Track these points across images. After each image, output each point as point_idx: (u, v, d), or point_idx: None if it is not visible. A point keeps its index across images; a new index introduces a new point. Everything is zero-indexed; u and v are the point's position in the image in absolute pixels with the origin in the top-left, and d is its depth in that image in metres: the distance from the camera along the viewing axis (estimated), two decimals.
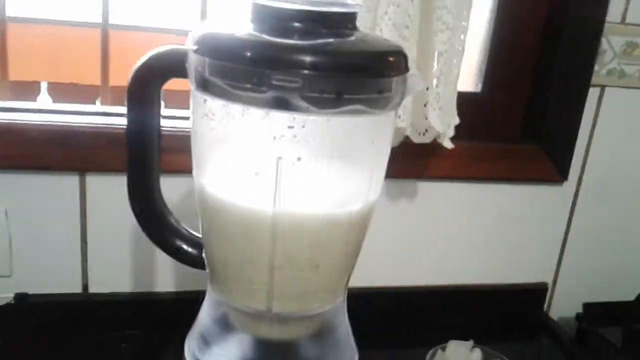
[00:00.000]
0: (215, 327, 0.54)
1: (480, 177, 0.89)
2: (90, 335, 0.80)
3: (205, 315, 0.55)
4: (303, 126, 0.44)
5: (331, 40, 0.45)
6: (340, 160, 0.46)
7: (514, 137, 0.94)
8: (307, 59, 0.42)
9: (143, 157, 0.51)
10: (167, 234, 0.54)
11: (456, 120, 0.78)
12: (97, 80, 0.82)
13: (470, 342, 0.80)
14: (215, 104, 0.45)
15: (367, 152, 0.48)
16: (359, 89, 0.44)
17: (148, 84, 0.49)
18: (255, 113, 0.43)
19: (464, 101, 0.81)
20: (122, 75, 0.81)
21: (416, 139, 0.78)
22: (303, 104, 0.42)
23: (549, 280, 1.00)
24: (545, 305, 1.01)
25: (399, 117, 0.74)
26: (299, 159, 0.45)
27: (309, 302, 0.51)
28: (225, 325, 0.54)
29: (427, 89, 0.71)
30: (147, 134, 0.51)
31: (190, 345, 0.55)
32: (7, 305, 0.79)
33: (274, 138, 0.44)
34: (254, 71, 0.42)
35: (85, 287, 0.83)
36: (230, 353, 0.53)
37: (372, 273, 0.89)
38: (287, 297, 0.50)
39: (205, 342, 0.54)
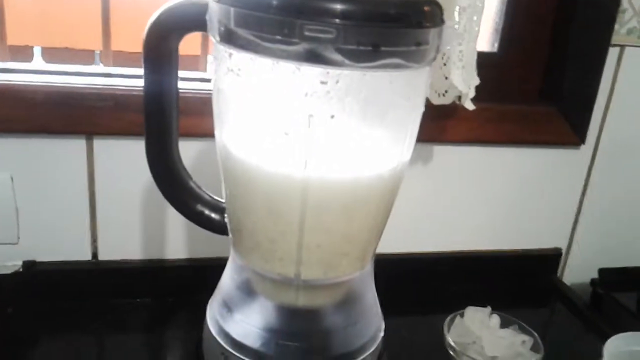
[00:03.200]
0: (238, 293, 0.52)
1: (496, 140, 0.86)
2: (100, 304, 0.78)
3: (227, 280, 0.53)
4: (337, 81, 0.41)
5: None
6: (376, 118, 0.44)
7: (531, 99, 0.92)
8: (342, 7, 0.39)
9: (162, 119, 0.49)
10: (188, 199, 0.52)
11: (476, 81, 0.75)
12: (92, 45, 0.78)
13: (488, 309, 0.79)
14: (241, 58, 0.42)
15: (402, 109, 0.45)
16: (397, 41, 0.41)
17: (165, 39, 0.46)
18: (286, 67, 0.41)
19: (480, 61, 0.78)
20: (122, 40, 0.78)
21: (435, 101, 0.75)
22: (337, 57, 0.39)
23: (563, 245, 0.99)
24: (560, 271, 1.00)
25: None
26: (332, 117, 0.42)
27: (337, 269, 0.49)
28: (248, 292, 0.52)
29: (449, 47, 0.68)
30: (165, 94, 0.48)
31: (212, 310, 0.53)
32: (16, 273, 0.77)
33: (306, 94, 0.41)
34: (283, 21, 0.39)
35: (94, 254, 0.81)
36: (253, 320, 0.51)
37: (386, 239, 0.87)
38: (315, 263, 0.48)
39: (228, 308, 0.52)
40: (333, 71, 0.40)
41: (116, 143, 0.75)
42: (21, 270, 0.77)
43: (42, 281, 0.77)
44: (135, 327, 0.76)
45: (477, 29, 0.73)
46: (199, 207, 0.52)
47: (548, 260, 0.98)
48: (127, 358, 0.70)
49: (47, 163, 0.74)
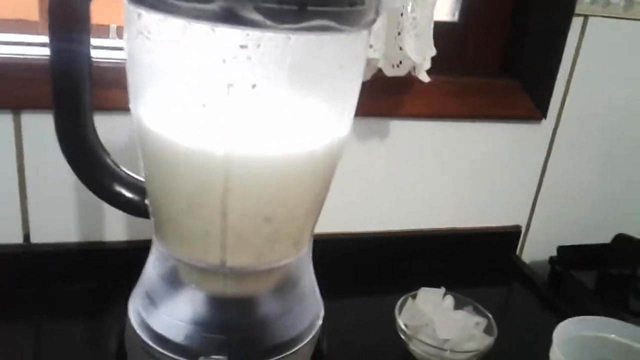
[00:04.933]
0: (162, 284, 0.47)
1: (455, 114, 0.83)
2: (33, 290, 0.73)
3: (150, 270, 0.48)
4: (258, 45, 0.36)
5: None
6: (305, 88, 0.39)
7: (492, 72, 0.88)
8: None
9: (73, 91, 0.43)
10: (103, 178, 0.46)
11: (433, 51, 0.71)
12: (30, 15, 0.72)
13: (442, 289, 0.76)
14: (151, 19, 0.37)
15: (335, 78, 0.41)
16: (326, 0, 0.36)
17: (72, 2, 0.41)
18: (200, 29, 0.36)
19: (439, 31, 0.74)
20: None
21: (389, 72, 0.71)
22: (257, 16, 0.34)
23: (523, 223, 0.97)
24: (518, 249, 0.98)
25: (371, 46, 0.67)
26: (253, 86, 0.37)
27: (267, 255, 0.45)
28: (173, 281, 0.47)
29: (402, 14, 0.63)
30: (76, 63, 0.42)
31: (135, 304, 0.48)
32: None
33: (223, 61, 0.36)
34: None
35: (26, 237, 0.75)
36: (180, 312, 0.47)
37: (337, 217, 0.84)
38: (242, 250, 0.44)
39: (151, 300, 0.47)
40: (253, 33, 0.36)
41: (46, 118, 0.69)
42: None
43: None
44: (68, 315, 0.71)
45: None
46: (117, 188, 0.47)
47: (507, 238, 0.96)
48: (52, 347, 0.66)
49: None
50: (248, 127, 0.39)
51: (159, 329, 0.46)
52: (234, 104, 0.37)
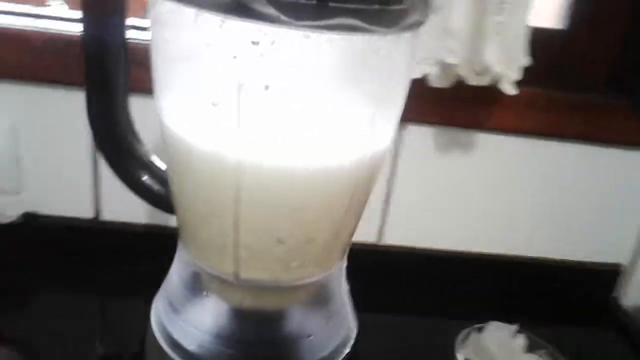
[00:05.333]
0: (184, 291, 0.45)
1: (548, 132, 0.74)
2: (99, 264, 0.74)
3: (174, 276, 0.46)
4: (272, 42, 0.32)
5: None
6: (326, 94, 0.35)
7: (597, 88, 0.77)
8: None
9: (103, 70, 0.42)
10: (131, 167, 0.45)
11: (524, 61, 0.63)
12: None
13: (514, 327, 0.68)
14: (165, 7, 0.34)
15: (364, 85, 0.36)
16: None
17: None
18: (211, 20, 0.32)
19: (539, 38, 0.66)
20: None
21: (472, 80, 0.64)
22: (271, 10, 0.30)
23: (625, 261, 0.85)
24: (617, 291, 0.86)
25: (451, 51, 0.61)
26: (266, 87, 0.33)
27: (282, 274, 0.41)
28: (195, 290, 0.45)
29: (482, 17, 0.57)
30: (108, 42, 0.41)
31: (157, 309, 0.47)
32: (15, 223, 0.74)
33: (234, 57, 0.33)
34: None
35: (97, 212, 0.77)
36: (201, 322, 0.44)
37: (406, 229, 0.78)
38: (255, 265, 0.40)
39: (173, 307, 0.45)
40: (267, 29, 0.32)
41: None
42: (22, 221, 0.75)
43: (41, 233, 0.75)
44: (123, 295, 0.72)
45: None
46: (147, 180, 0.45)
47: (603, 277, 0.85)
48: (106, 323, 0.67)
49: (51, 113, 0.71)
50: (260, 132, 0.35)
51: (177, 335, 0.44)
52: (245, 105, 0.34)
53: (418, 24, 0.35)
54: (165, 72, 0.38)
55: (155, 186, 0.45)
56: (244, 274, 0.40)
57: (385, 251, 0.80)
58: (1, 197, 0.74)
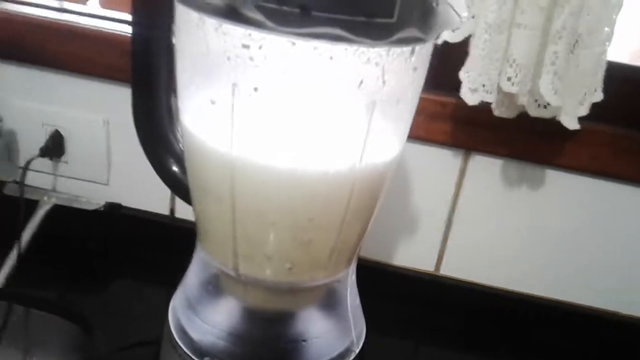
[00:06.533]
0: (202, 291, 0.47)
1: (626, 175, 0.68)
2: (173, 257, 0.79)
3: (192, 275, 0.49)
4: (260, 47, 0.34)
5: None
6: (312, 102, 0.36)
7: None
8: None
9: (148, 68, 0.45)
10: (168, 162, 0.48)
11: (594, 97, 0.60)
12: None
13: None
14: (178, 10, 0.37)
15: (352, 97, 0.36)
16: (334, 6, 0.32)
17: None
18: (210, 24, 0.35)
19: (618, 74, 0.62)
20: None
21: (533, 111, 0.61)
22: (257, 16, 0.32)
23: None
24: None
25: (509, 79, 0.59)
26: (255, 89, 0.35)
27: (280, 275, 0.42)
28: (212, 289, 0.47)
29: (541, 44, 0.54)
30: (154, 41, 0.44)
31: (175, 308, 0.49)
32: (100, 211, 0.82)
33: (228, 58, 0.35)
34: None
35: (172, 210, 0.83)
36: (217, 322, 0.46)
37: (465, 264, 0.76)
38: (252, 261, 0.42)
39: (191, 307, 0.48)
40: (256, 34, 0.34)
41: None
42: (104, 209, 0.82)
43: (122, 224, 0.81)
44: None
45: (607, 29, 0.58)
46: (178, 174, 0.48)
47: None
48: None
49: None
50: (248, 133, 0.37)
51: (191, 331, 0.46)
52: (237, 104, 0.36)
53: (415, 40, 0.35)
54: (180, 70, 0.41)
55: (185, 180, 0.48)
56: (243, 270, 0.42)
57: (441, 282, 0.78)
58: (90, 185, 0.82)
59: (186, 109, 0.41)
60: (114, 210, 0.82)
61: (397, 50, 0.35)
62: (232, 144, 0.37)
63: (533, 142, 0.69)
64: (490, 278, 0.76)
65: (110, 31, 0.73)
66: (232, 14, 0.33)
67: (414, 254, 0.77)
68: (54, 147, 0.79)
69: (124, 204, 0.82)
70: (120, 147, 0.79)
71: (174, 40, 0.42)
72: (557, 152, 0.69)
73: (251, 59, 0.34)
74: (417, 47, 0.36)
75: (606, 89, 0.61)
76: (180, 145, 0.48)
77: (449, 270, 0.77)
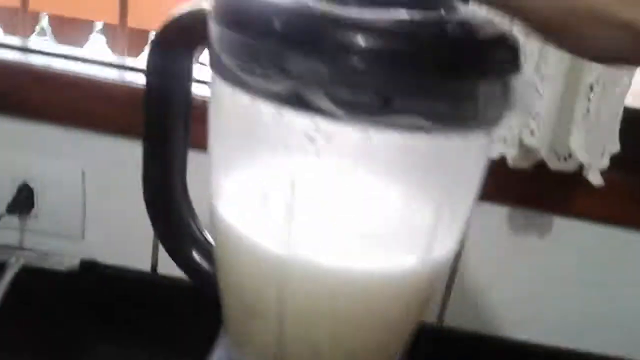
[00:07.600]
0: None
1: (636, 223, 0.67)
2: (153, 317, 0.73)
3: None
4: (328, 140, 0.29)
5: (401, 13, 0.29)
6: (382, 194, 0.31)
7: None
8: (340, 36, 0.27)
9: (164, 125, 0.40)
10: (183, 245, 0.42)
11: (614, 147, 0.58)
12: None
13: None
14: (223, 89, 0.32)
15: (429, 187, 0.32)
16: (415, 93, 0.28)
17: (171, 56, 0.38)
18: (266, 109, 0.30)
19: (635, 121, 0.61)
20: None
21: (554, 165, 0.59)
22: (329, 105, 0.28)
23: None
24: None
25: (531, 131, 0.56)
26: (320, 184, 0.31)
27: None
28: None
29: (571, 99, 0.52)
30: (169, 97, 0.39)
31: None
32: (74, 271, 0.75)
33: (286, 148, 0.31)
34: (262, 49, 0.28)
35: (154, 267, 0.76)
36: None
37: (468, 313, 0.73)
38: None
39: None
40: (324, 124, 0.29)
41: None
42: (79, 269, 0.75)
43: (98, 282, 0.75)
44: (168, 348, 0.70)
45: (626, 79, 0.56)
46: (197, 259, 0.42)
47: None
48: None
49: (119, 163, 0.71)
50: (310, 232, 0.32)
51: None
52: (296, 202, 0.31)
53: (494, 122, 0.32)
54: (220, 152, 0.35)
55: (204, 264, 0.42)
56: None
57: (445, 334, 0.74)
58: (63, 242, 0.75)
59: (222, 191, 0.35)
60: (88, 269, 0.75)
61: (479, 136, 0.32)
62: (287, 246, 0.32)
63: (541, 191, 0.67)
64: (495, 329, 0.74)
65: (93, 77, 0.67)
66: (299, 101, 0.28)
67: None
68: (23, 201, 0.71)
69: (100, 259, 0.76)
70: (96, 200, 0.73)
71: (209, 119, 0.36)
72: (567, 201, 0.67)
73: (317, 152, 0.30)
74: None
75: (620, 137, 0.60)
76: (198, 226, 0.43)
77: (452, 321, 0.74)
